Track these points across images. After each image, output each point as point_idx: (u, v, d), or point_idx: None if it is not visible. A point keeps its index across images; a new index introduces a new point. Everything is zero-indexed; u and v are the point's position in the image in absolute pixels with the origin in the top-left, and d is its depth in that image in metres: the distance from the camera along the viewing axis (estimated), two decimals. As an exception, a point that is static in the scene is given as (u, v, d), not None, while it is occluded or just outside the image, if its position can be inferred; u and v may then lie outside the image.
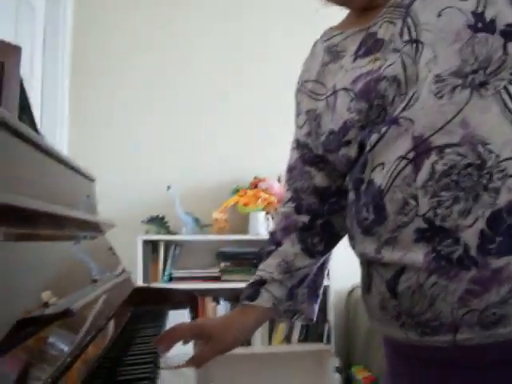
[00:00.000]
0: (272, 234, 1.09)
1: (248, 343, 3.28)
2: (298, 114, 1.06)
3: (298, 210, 1.07)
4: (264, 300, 1.03)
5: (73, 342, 0.81)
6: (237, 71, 3.58)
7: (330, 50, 0.99)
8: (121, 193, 3.36)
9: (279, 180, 3.34)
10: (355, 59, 0.91)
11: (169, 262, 3.28)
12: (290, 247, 1.05)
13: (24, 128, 0.88)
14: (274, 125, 3.38)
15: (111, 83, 3.46)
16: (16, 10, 2.56)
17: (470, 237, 0.73)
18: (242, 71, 3.59)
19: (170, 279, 3.25)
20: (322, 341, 3.34)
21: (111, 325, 1.16)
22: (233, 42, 3.61)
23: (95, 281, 1.09)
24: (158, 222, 3.32)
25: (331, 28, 1.04)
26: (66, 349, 0.77)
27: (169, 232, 3.33)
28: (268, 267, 1.05)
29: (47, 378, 0.66)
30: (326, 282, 3.79)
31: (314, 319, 1.12)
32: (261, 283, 1.04)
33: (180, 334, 1.02)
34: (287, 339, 3.35)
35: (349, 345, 3.44)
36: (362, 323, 3.11)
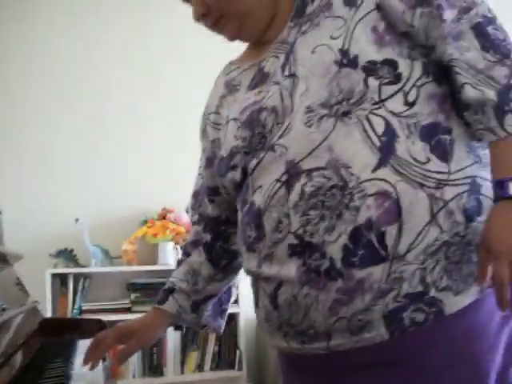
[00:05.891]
0: (184, 247, 1.22)
1: (160, 373, 3.27)
2: (202, 145, 1.16)
3: (204, 230, 1.19)
4: (170, 306, 1.15)
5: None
6: (148, 93, 3.58)
7: (228, 83, 1.07)
8: (28, 226, 3.28)
9: (187, 211, 3.35)
10: (247, 92, 0.99)
11: (78, 295, 3.23)
12: (197, 257, 1.17)
13: None
14: (182, 155, 3.32)
15: (10, 110, 3.42)
16: None
17: (335, 251, 0.81)
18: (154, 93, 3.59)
19: (80, 312, 3.20)
20: (233, 368, 3.38)
21: (19, 356, 1.16)
22: (144, 65, 3.61)
23: (3, 309, 1.11)
24: (67, 255, 3.27)
25: (231, 62, 1.11)
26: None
27: (78, 265, 3.29)
28: (178, 274, 1.18)
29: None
30: (236, 310, 3.76)
31: (221, 332, 1.24)
32: (170, 290, 1.16)
33: (107, 342, 1.11)
34: (199, 367, 3.36)
35: (260, 370, 3.50)
36: (272, 348, 3.17)
